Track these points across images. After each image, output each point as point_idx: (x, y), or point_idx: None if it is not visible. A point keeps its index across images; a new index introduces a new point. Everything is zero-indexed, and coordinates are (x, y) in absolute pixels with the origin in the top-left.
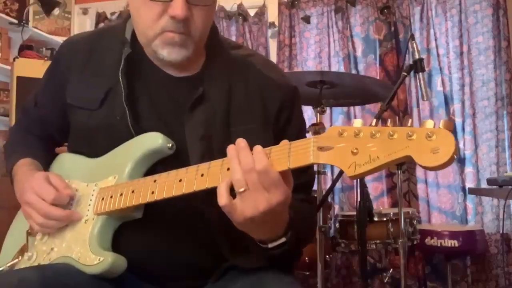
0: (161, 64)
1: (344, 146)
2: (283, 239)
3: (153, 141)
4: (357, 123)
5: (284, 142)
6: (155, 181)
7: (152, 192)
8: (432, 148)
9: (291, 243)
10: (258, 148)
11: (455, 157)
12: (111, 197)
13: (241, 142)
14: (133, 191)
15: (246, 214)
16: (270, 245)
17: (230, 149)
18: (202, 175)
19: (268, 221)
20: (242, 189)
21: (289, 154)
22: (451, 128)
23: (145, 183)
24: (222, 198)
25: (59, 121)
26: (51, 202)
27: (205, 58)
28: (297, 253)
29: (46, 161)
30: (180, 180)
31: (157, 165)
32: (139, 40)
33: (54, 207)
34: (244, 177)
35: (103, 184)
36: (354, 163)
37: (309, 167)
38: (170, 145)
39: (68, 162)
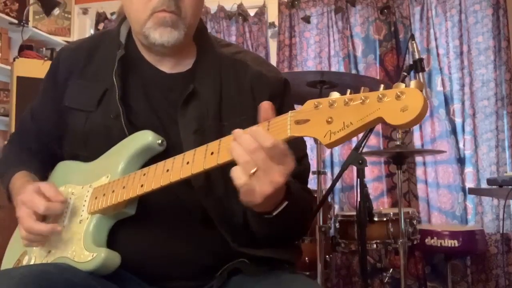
0: (154, 61)
1: (320, 117)
2: (285, 203)
3: (143, 138)
4: (334, 94)
5: (265, 121)
6: (144, 174)
7: (142, 185)
8: (401, 107)
9: (290, 207)
10: (254, 128)
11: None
12: (104, 195)
13: (236, 131)
14: (124, 187)
15: (266, 191)
16: (274, 213)
17: (234, 135)
18: (187, 162)
19: (280, 191)
20: (253, 170)
21: (268, 131)
22: (421, 87)
23: (135, 177)
24: (240, 179)
25: (57, 130)
26: (43, 212)
27: (196, 55)
28: (295, 228)
29: (41, 174)
30: (167, 170)
31: (152, 162)
32: (133, 30)
33: (37, 222)
34: (251, 158)
35: (97, 184)
36: (329, 131)
37: (304, 157)
38: (160, 141)
39: (64, 169)
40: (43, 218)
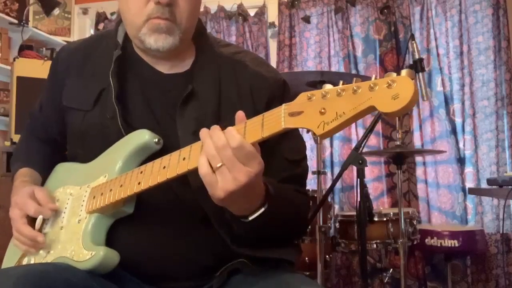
0: (152, 62)
1: (313, 108)
2: (262, 209)
3: (140, 137)
4: (327, 86)
5: (241, 122)
6: (141, 172)
7: (139, 183)
8: (392, 95)
9: (269, 214)
10: (229, 128)
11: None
12: (102, 194)
13: (214, 127)
14: (121, 185)
15: (228, 188)
16: (250, 218)
17: (203, 131)
18: (184, 158)
19: (248, 193)
20: (218, 164)
21: (263, 124)
22: (412, 76)
23: (132, 175)
24: (203, 168)
25: (60, 126)
26: (34, 215)
27: (195, 55)
28: (281, 233)
29: (46, 167)
30: (164, 167)
31: (150, 161)
32: (129, 33)
33: (25, 225)
34: (218, 153)
35: (95, 184)
36: (323, 122)
37: (303, 160)
38: (157, 140)
39: (63, 170)
40: (39, 221)
